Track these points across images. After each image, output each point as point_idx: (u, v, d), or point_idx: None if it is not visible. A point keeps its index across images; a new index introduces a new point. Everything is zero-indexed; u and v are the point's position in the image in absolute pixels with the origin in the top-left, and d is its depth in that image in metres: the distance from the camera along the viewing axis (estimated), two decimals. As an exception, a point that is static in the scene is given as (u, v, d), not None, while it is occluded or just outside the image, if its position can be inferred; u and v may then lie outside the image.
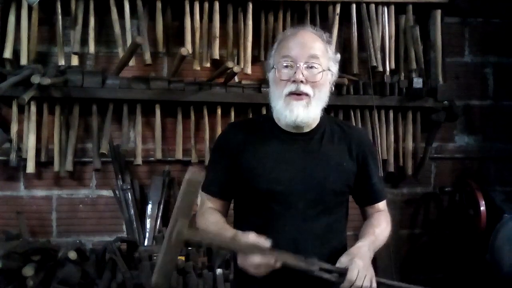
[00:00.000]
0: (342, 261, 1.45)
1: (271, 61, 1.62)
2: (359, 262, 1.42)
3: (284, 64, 1.54)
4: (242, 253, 1.42)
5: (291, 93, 1.52)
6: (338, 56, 1.66)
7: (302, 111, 1.52)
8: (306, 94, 1.52)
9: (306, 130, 1.60)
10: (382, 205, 1.72)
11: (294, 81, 1.51)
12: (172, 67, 2.98)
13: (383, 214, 1.70)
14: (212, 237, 1.44)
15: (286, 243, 1.53)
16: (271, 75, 1.60)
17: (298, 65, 1.52)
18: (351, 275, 1.40)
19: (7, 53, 2.83)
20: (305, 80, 1.51)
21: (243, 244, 1.39)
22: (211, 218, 1.60)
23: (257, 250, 1.37)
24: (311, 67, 1.53)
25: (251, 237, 1.40)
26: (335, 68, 1.62)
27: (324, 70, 1.55)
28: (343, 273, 1.42)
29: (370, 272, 1.44)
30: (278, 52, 1.59)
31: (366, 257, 1.46)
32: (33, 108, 2.84)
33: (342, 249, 1.61)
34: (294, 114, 1.52)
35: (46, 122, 2.92)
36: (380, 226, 1.64)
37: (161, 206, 2.98)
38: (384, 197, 1.73)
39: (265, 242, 1.38)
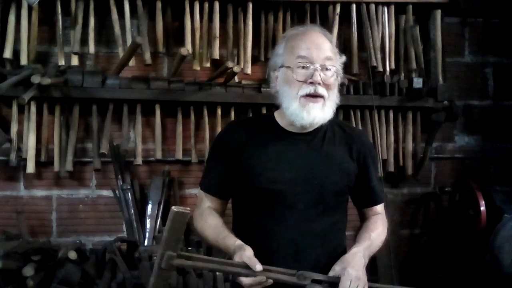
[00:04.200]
0: (336, 270, 1.46)
1: (278, 60, 1.59)
2: (351, 271, 1.42)
3: (301, 65, 1.52)
4: (233, 276, 1.43)
5: (308, 95, 1.52)
6: (344, 58, 1.66)
7: (319, 112, 1.52)
8: (322, 96, 1.52)
9: (310, 129, 1.60)
10: (380, 208, 1.72)
11: (311, 83, 1.51)
12: (172, 67, 2.98)
13: (380, 217, 1.70)
14: (202, 262, 1.43)
15: (287, 243, 1.53)
16: (281, 75, 1.58)
17: (315, 66, 1.51)
18: (343, 286, 1.40)
19: (7, 53, 2.83)
20: (321, 82, 1.51)
21: (234, 266, 1.40)
22: (210, 221, 1.59)
23: (248, 272, 1.38)
24: (326, 69, 1.53)
25: (246, 255, 1.40)
26: (340, 69, 1.62)
27: (336, 72, 1.56)
28: (335, 283, 1.42)
29: (363, 280, 1.44)
30: (290, 51, 1.56)
31: (359, 264, 1.46)
32: (33, 108, 2.84)
33: (342, 249, 1.61)
34: (312, 116, 1.52)
35: (46, 122, 2.92)
36: (377, 230, 1.64)
37: (161, 206, 2.98)
38: (382, 200, 1.73)
39: (257, 265, 1.38)
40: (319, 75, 1.51)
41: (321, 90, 1.51)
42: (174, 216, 1.28)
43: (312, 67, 1.51)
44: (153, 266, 1.36)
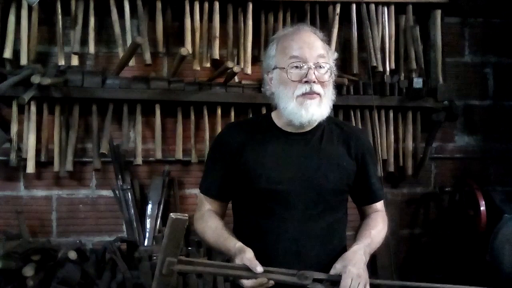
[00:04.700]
0: (337, 268, 1.45)
1: (271, 62, 1.60)
2: (352, 269, 1.42)
3: (294, 65, 1.53)
4: (234, 278, 1.43)
5: (304, 94, 1.52)
6: (336, 54, 1.66)
7: (317, 109, 1.53)
8: (318, 93, 1.53)
9: (308, 129, 1.60)
10: (379, 205, 1.72)
11: (306, 82, 1.51)
12: (172, 67, 2.98)
13: (380, 214, 1.69)
14: (203, 267, 1.43)
15: (287, 243, 1.53)
16: (275, 76, 1.58)
17: (309, 65, 1.51)
18: (345, 284, 1.40)
19: (7, 53, 2.83)
20: (316, 80, 1.52)
21: (235, 269, 1.40)
22: (210, 223, 1.59)
23: (249, 275, 1.38)
24: (320, 67, 1.53)
25: (247, 257, 1.40)
26: (334, 65, 1.62)
27: (330, 69, 1.56)
28: (337, 281, 1.42)
29: (364, 278, 1.44)
30: (282, 52, 1.57)
31: (361, 262, 1.46)
32: (33, 108, 2.84)
33: (342, 248, 1.61)
34: (310, 113, 1.52)
35: (46, 122, 2.92)
36: (377, 227, 1.64)
37: (161, 206, 2.98)
38: (382, 197, 1.73)
39: (258, 267, 1.38)
40: (313, 73, 1.51)
41: (317, 88, 1.52)
42: (173, 223, 1.29)
43: (305, 66, 1.52)
44: (154, 271, 1.37)
